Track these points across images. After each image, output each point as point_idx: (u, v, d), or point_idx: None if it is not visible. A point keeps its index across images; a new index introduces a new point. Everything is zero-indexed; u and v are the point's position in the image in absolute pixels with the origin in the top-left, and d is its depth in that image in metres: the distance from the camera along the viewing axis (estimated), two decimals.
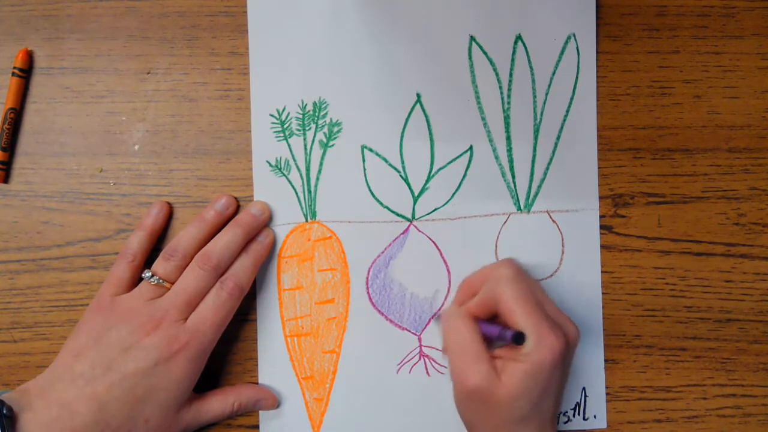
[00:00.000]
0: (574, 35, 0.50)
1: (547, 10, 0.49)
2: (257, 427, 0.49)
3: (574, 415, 0.49)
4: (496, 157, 0.50)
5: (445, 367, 0.49)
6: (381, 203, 0.49)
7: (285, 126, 0.49)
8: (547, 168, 0.50)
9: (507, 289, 0.42)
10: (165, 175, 0.49)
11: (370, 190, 0.49)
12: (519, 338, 0.41)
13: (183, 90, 0.49)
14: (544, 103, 0.50)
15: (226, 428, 0.49)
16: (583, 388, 0.49)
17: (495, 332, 0.42)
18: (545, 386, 0.41)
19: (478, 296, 0.44)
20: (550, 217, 0.50)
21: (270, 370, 0.49)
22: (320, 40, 0.49)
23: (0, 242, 0.48)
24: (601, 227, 0.50)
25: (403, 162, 0.49)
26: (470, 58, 0.49)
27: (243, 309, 0.48)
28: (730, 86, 0.51)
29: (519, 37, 0.49)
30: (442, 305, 0.49)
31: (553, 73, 0.50)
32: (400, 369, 0.49)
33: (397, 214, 0.49)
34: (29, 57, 0.49)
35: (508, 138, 0.50)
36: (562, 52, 0.50)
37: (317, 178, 0.49)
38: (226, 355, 0.49)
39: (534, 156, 0.50)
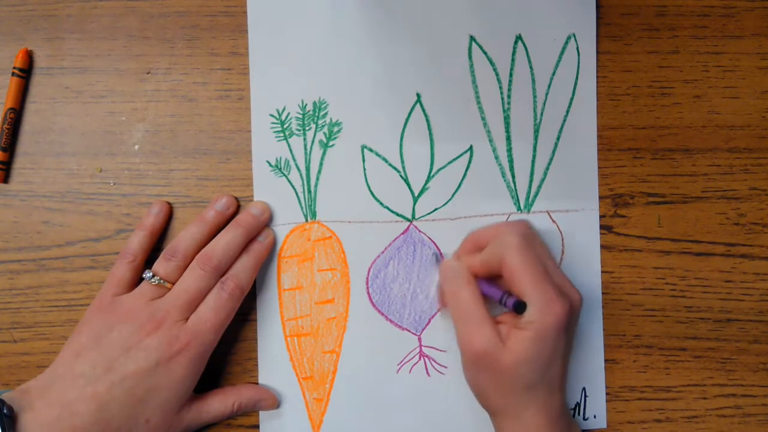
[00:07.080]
0: (574, 35, 0.50)
1: (547, 10, 0.49)
2: (257, 427, 0.49)
3: (574, 415, 0.49)
4: (496, 157, 0.50)
5: (446, 367, 0.49)
6: (381, 203, 0.49)
7: (285, 126, 0.49)
8: (547, 168, 0.50)
9: (514, 256, 0.42)
10: (165, 175, 0.49)
11: (370, 190, 0.49)
12: (520, 307, 0.40)
13: (183, 90, 0.49)
14: (544, 103, 0.50)
15: (226, 428, 0.49)
16: (583, 388, 0.49)
17: (496, 296, 0.42)
18: (551, 353, 0.41)
19: (483, 255, 0.44)
20: (550, 217, 0.50)
21: (270, 370, 0.49)
22: (320, 40, 0.49)
23: (0, 242, 0.48)
24: (601, 227, 0.50)
25: (403, 162, 0.49)
26: (470, 58, 0.49)
27: (243, 309, 0.47)
28: (730, 86, 0.51)
29: (519, 37, 0.49)
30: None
31: (553, 73, 0.50)
32: (400, 369, 0.49)
33: (397, 214, 0.49)
34: (29, 57, 0.49)
35: (508, 138, 0.50)
36: (562, 52, 0.50)
37: (317, 178, 0.49)
38: (226, 355, 0.49)
39: (534, 156, 0.50)
